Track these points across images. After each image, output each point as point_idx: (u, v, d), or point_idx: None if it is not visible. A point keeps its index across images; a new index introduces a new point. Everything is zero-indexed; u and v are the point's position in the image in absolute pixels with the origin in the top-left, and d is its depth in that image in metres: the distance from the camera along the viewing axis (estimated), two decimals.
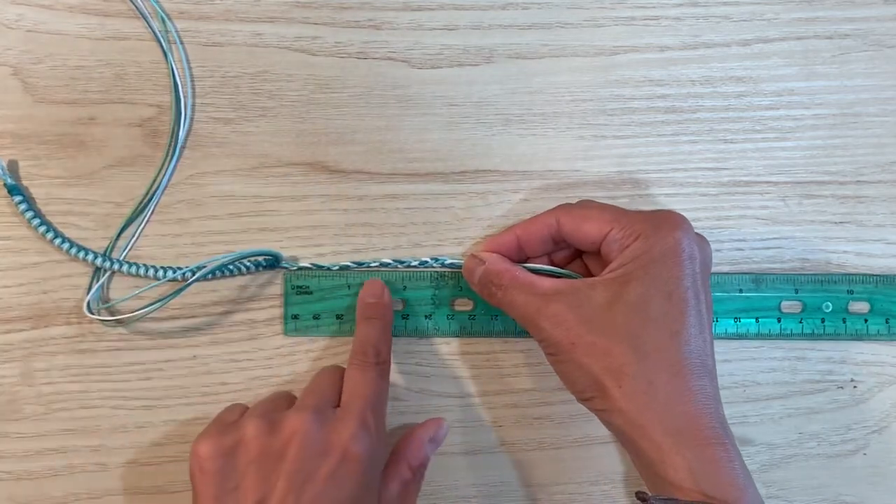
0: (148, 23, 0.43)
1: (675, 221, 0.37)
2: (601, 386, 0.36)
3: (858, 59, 0.44)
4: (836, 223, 0.44)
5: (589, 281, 0.37)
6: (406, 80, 0.44)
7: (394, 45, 0.43)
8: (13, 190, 0.41)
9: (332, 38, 0.43)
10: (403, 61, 0.44)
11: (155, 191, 0.43)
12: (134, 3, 0.43)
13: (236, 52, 0.43)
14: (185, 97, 0.43)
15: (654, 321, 0.35)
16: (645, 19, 0.44)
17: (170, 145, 0.43)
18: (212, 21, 0.43)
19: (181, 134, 0.43)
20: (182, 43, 0.43)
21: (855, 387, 0.45)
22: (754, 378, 0.44)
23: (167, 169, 0.43)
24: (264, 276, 0.43)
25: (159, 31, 0.43)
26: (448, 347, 0.44)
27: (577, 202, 0.41)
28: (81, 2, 0.43)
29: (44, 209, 0.42)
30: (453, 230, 0.44)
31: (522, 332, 0.43)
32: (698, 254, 0.37)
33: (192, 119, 0.43)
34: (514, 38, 0.44)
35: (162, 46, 0.43)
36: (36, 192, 0.42)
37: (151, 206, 0.43)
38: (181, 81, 0.43)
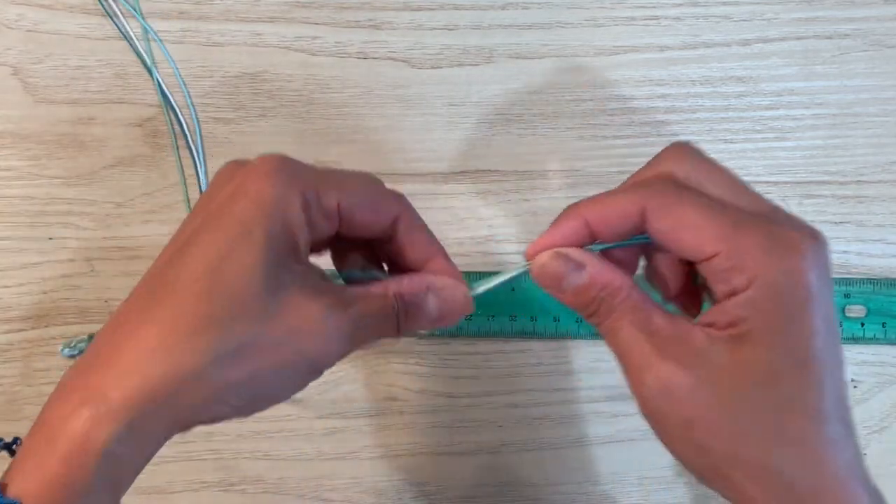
0: (131, 43, 0.43)
1: (801, 249, 0.28)
2: (731, 479, 0.28)
3: (858, 58, 0.44)
4: (836, 223, 0.44)
5: (708, 333, 0.28)
6: (406, 80, 0.44)
7: (394, 45, 0.43)
8: None
9: (332, 38, 0.43)
10: (403, 61, 0.44)
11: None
12: (117, 25, 0.43)
13: (236, 52, 0.43)
14: (179, 103, 0.43)
15: (789, 402, 0.28)
16: (645, 19, 0.44)
17: (189, 150, 0.43)
18: (212, 21, 0.43)
19: (193, 135, 0.43)
20: (161, 42, 0.43)
21: (855, 387, 0.45)
22: None
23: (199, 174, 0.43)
24: None
25: (143, 50, 0.43)
26: (448, 347, 0.44)
27: (668, 180, 0.30)
28: (81, 2, 0.43)
29: (44, 209, 0.42)
30: (453, 230, 0.44)
31: (521, 333, 0.43)
32: (829, 282, 0.28)
33: (196, 120, 0.43)
34: (514, 38, 0.44)
35: (146, 63, 0.43)
36: (36, 191, 0.42)
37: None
38: (167, 87, 0.43)
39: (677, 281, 0.32)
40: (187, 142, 0.43)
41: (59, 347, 0.42)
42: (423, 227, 0.32)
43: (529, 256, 0.31)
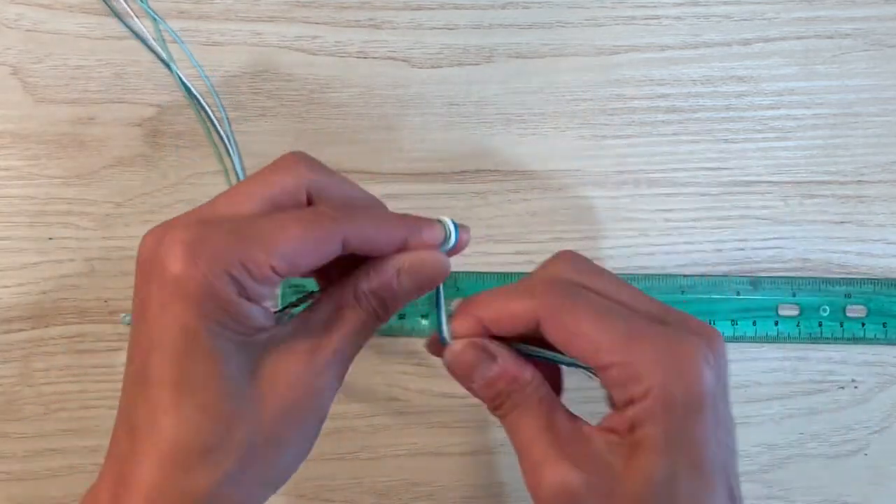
0: (147, 43, 0.43)
1: (694, 356, 0.28)
2: None
3: (859, 58, 0.44)
4: (836, 223, 0.44)
5: (607, 438, 0.29)
6: (406, 80, 0.43)
7: (394, 44, 0.43)
8: None
9: (332, 37, 0.43)
10: (404, 61, 0.43)
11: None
12: (129, 26, 0.43)
13: (236, 51, 0.43)
14: (207, 100, 0.43)
15: None
16: (645, 18, 0.44)
17: (224, 144, 0.43)
18: (211, 21, 0.43)
19: (225, 130, 0.43)
20: (182, 42, 0.43)
21: (856, 387, 0.44)
22: (755, 378, 0.44)
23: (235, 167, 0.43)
24: None
25: (160, 51, 0.43)
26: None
27: (561, 281, 0.30)
28: (81, 1, 0.43)
29: (43, 209, 0.42)
30: None
31: None
32: (724, 382, 0.29)
33: (224, 111, 0.43)
34: (514, 37, 0.44)
35: (163, 59, 0.42)
36: (35, 191, 0.42)
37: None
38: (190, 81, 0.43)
39: None
40: (212, 136, 0.43)
41: (122, 316, 0.42)
42: (375, 223, 0.30)
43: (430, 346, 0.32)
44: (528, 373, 0.30)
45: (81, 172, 0.43)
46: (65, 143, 0.43)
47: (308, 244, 0.27)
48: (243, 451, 0.26)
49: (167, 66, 0.43)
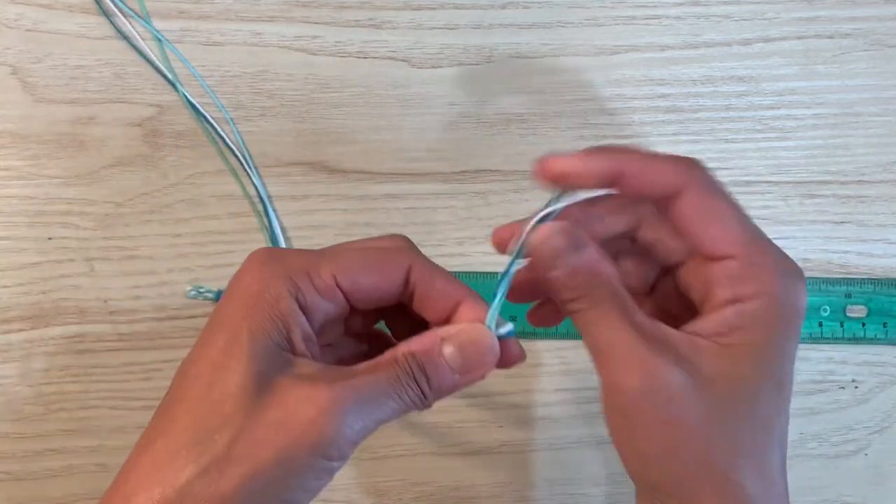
0: (154, 65, 0.43)
1: (801, 278, 0.28)
2: (692, 489, 0.28)
3: (859, 58, 0.44)
4: (837, 223, 0.44)
5: (692, 339, 0.28)
6: (406, 80, 0.43)
7: (394, 44, 0.43)
8: None
9: (332, 37, 0.43)
10: (404, 61, 0.43)
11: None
12: (134, 45, 0.43)
13: (236, 51, 0.43)
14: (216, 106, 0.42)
15: (764, 421, 0.28)
16: (646, 18, 0.44)
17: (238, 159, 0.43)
18: (211, 20, 0.43)
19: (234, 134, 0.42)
20: (182, 56, 0.43)
21: (856, 387, 0.44)
22: None
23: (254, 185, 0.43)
24: None
25: (163, 66, 0.43)
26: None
27: (706, 170, 0.29)
28: (81, 1, 0.43)
29: (43, 209, 0.42)
30: (454, 230, 0.43)
31: (521, 333, 0.43)
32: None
33: (231, 121, 0.43)
34: (514, 37, 0.44)
35: (168, 78, 0.42)
36: (35, 191, 0.42)
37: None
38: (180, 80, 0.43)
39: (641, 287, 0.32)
40: (217, 143, 0.43)
41: (187, 289, 0.41)
42: (441, 274, 0.30)
43: (543, 172, 0.30)
44: (610, 268, 0.28)
45: (81, 172, 0.43)
46: (64, 143, 0.42)
47: (371, 264, 0.29)
48: (220, 455, 0.26)
49: (174, 86, 0.43)
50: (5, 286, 0.42)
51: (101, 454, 0.43)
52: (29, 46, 0.42)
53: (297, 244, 0.43)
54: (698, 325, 0.28)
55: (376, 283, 0.29)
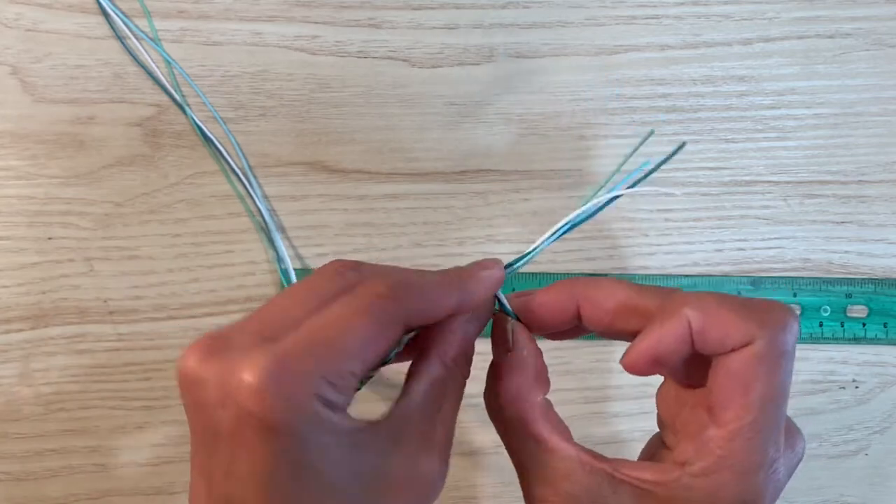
0: (156, 78, 0.43)
1: (787, 316, 0.28)
2: None
3: (860, 58, 0.44)
4: (837, 223, 0.44)
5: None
6: (406, 80, 0.43)
7: (394, 44, 0.43)
8: None
9: (332, 37, 0.43)
10: (404, 60, 0.43)
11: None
12: (134, 55, 0.43)
13: (236, 51, 0.43)
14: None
15: None
16: (646, 18, 0.44)
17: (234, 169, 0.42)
18: (211, 20, 0.43)
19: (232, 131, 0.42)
20: (184, 71, 0.43)
21: (857, 387, 0.44)
22: None
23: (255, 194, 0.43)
24: (261, 275, 0.43)
25: (170, 85, 0.43)
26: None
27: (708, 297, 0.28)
28: (80, 1, 0.42)
29: (43, 209, 0.42)
30: (454, 230, 0.43)
31: None
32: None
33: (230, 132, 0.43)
34: (514, 37, 0.44)
35: (174, 98, 0.42)
36: (35, 191, 0.42)
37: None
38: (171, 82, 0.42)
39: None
40: (216, 150, 0.43)
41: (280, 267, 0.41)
42: (425, 281, 0.28)
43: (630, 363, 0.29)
44: (528, 401, 0.30)
45: (81, 172, 0.42)
46: (64, 142, 0.42)
47: (378, 336, 0.25)
48: None
49: (168, 93, 0.43)
50: (5, 286, 0.42)
51: (100, 454, 0.43)
52: (29, 46, 0.42)
53: (297, 244, 0.43)
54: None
55: (384, 351, 0.26)
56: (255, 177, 0.43)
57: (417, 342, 0.29)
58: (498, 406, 0.29)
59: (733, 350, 0.27)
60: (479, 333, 0.30)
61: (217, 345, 0.24)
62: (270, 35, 0.43)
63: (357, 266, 0.26)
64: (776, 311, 0.28)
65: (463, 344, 0.29)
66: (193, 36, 0.43)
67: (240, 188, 0.43)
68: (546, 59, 0.44)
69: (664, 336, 0.27)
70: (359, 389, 0.27)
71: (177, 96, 0.42)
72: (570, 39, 0.44)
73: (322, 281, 0.26)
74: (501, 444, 0.44)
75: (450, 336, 0.28)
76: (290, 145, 0.43)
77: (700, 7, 0.44)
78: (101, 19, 0.43)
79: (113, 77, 0.43)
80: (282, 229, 0.43)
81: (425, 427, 0.27)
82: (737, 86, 0.44)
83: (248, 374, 0.23)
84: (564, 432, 0.29)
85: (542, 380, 0.30)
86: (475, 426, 0.44)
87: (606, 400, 0.44)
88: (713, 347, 0.27)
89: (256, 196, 0.43)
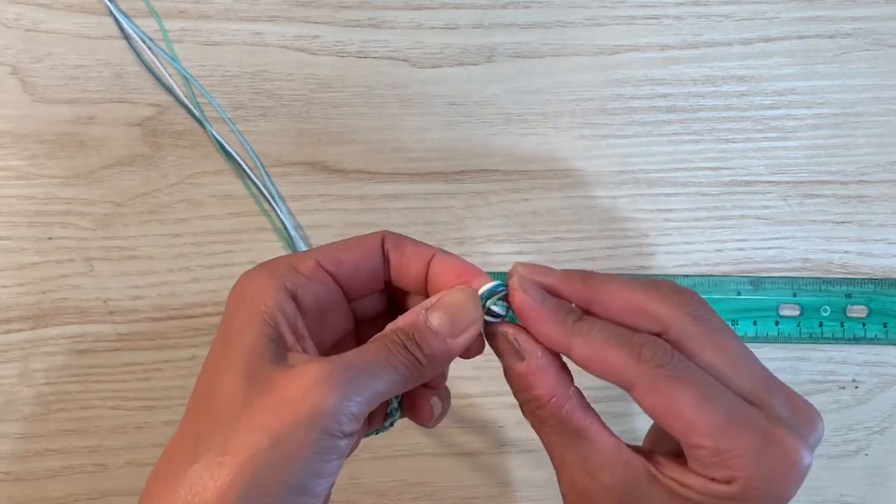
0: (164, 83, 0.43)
1: (790, 459, 0.27)
2: None
3: (860, 58, 0.44)
4: (837, 223, 0.44)
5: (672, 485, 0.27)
6: (406, 80, 0.43)
7: (394, 44, 0.43)
8: None
9: (332, 37, 0.43)
10: (404, 60, 0.43)
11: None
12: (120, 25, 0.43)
13: (236, 51, 0.43)
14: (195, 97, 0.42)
15: None
16: (646, 18, 0.44)
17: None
18: (211, 20, 0.43)
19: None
20: (170, 42, 0.43)
21: (857, 387, 0.44)
22: None
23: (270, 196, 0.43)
24: None
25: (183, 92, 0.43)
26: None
27: (666, 354, 0.27)
28: (80, 1, 0.42)
29: (42, 209, 0.42)
30: (454, 230, 0.43)
31: None
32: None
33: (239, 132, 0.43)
34: (514, 37, 0.44)
35: (185, 103, 0.42)
36: (34, 191, 0.42)
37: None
38: (176, 81, 0.42)
39: None
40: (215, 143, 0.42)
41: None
42: (410, 239, 0.32)
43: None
44: (559, 390, 0.29)
45: (81, 172, 0.42)
46: (64, 142, 0.42)
47: (348, 243, 0.31)
48: (218, 448, 0.26)
49: (171, 92, 0.43)
50: (5, 286, 0.42)
51: (100, 454, 0.43)
52: (28, 46, 0.42)
53: (297, 244, 0.43)
54: (692, 478, 0.27)
55: (356, 259, 0.30)
56: (268, 176, 0.43)
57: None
58: (534, 410, 0.29)
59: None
60: (450, 334, 0.29)
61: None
62: (270, 35, 0.43)
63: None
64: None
65: (411, 319, 0.29)
66: (193, 36, 0.43)
67: (252, 188, 0.43)
68: (546, 59, 0.44)
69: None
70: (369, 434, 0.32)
71: (188, 102, 0.42)
72: (570, 39, 0.44)
73: None
74: (502, 444, 0.44)
75: (405, 314, 0.29)
76: (290, 145, 0.43)
77: (700, 7, 0.44)
78: (102, 19, 0.43)
79: (113, 77, 0.43)
80: (297, 227, 0.43)
81: (336, 358, 0.27)
82: (737, 86, 0.44)
83: (246, 275, 0.29)
84: (600, 421, 0.29)
85: (565, 371, 0.30)
86: (475, 426, 0.44)
87: (606, 400, 0.44)
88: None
89: (274, 196, 0.43)
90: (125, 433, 0.43)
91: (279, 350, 0.27)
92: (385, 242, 0.31)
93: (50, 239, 0.42)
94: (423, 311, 0.29)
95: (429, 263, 0.31)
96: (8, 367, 0.42)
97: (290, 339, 0.28)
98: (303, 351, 0.28)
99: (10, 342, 0.42)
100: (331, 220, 0.43)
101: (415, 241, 0.32)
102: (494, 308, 0.30)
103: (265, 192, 0.43)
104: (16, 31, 0.42)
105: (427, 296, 0.30)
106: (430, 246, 0.31)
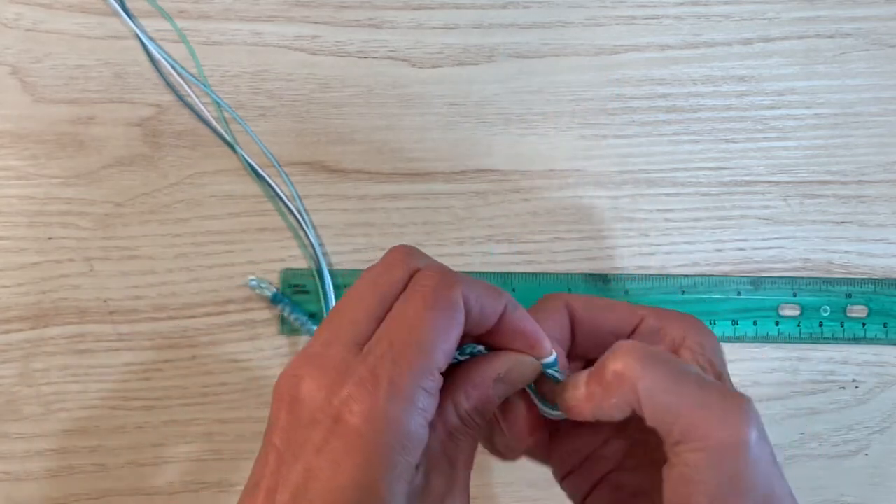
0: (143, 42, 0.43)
1: (739, 405, 0.28)
2: None
3: (860, 58, 0.44)
4: (837, 223, 0.44)
5: None
6: (406, 80, 0.43)
7: (394, 44, 0.43)
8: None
9: (332, 37, 0.43)
10: (404, 60, 0.43)
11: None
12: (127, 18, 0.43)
13: (236, 51, 0.43)
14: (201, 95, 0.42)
15: None
16: (646, 18, 0.44)
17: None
18: (211, 20, 0.43)
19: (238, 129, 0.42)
20: (187, 42, 0.43)
21: (857, 387, 0.44)
22: (755, 378, 0.44)
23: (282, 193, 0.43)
24: (262, 275, 0.43)
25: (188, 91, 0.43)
26: None
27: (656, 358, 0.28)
28: (81, 1, 0.42)
29: (43, 209, 0.42)
30: (453, 230, 0.43)
31: None
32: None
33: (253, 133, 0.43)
34: (514, 37, 0.44)
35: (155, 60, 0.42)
36: (34, 191, 0.42)
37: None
38: (179, 80, 0.42)
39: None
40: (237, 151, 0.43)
41: (250, 279, 0.42)
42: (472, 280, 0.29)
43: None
44: None
45: (81, 172, 0.42)
46: (64, 142, 0.42)
47: (444, 325, 0.27)
48: None
49: (173, 89, 0.43)
50: (5, 286, 0.42)
51: (100, 454, 0.43)
52: (28, 46, 0.42)
53: (297, 243, 0.43)
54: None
55: (456, 340, 0.27)
56: (287, 175, 0.43)
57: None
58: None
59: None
60: (504, 396, 0.29)
61: (322, 362, 0.26)
62: (270, 35, 0.43)
63: (411, 253, 0.29)
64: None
65: (482, 398, 0.29)
66: (193, 36, 0.43)
67: (253, 189, 0.43)
68: (546, 59, 0.44)
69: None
70: None
71: (199, 103, 0.42)
72: (570, 39, 0.44)
73: (389, 269, 0.28)
74: None
75: (471, 388, 0.29)
76: (290, 145, 0.43)
77: (700, 7, 0.44)
78: (102, 19, 0.43)
79: (113, 77, 0.43)
80: (282, 229, 0.43)
81: (450, 482, 0.28)
82: (737, 86, 0.44)
83: (351, 395, 0.25)
84: None
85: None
86: None
87: None
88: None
89: (290, 193, 0.43)
90: (125, 433, 0.43)
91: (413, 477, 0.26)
92: (466, 300, 0.27)
93: (50, 239, 0.42)
94: (492, 385, 0.29)
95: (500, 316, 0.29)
96: (8, 367, 0.42)
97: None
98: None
99: (10, 342, 0.42)
100: (331, 220, 0.43)
101: (487, 288, 0.28)
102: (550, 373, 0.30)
103: (278, 191, 0.43)
104: (16, 31, 0.42)
105: (483, 338, 0.30)
106: (501, 292, 0.29)
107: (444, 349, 0.26)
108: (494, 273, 0.43)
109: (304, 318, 0.42)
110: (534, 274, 0.43)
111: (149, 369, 0.43)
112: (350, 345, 0.26)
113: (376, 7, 0.43)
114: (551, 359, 0.29)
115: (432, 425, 0.27)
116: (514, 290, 0.43)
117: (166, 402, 0.43)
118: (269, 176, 0.43)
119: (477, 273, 0.43)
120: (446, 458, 0.28)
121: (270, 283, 0.42)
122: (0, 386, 0.42)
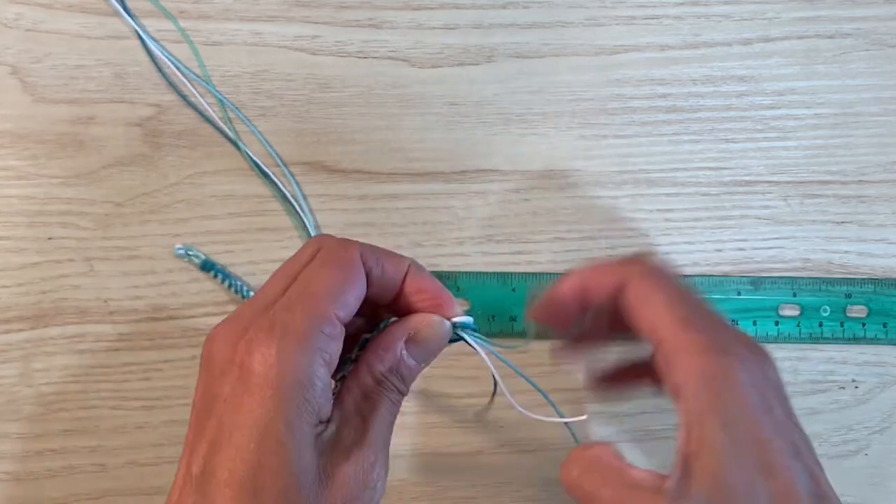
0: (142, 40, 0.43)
1: (742, 349, 0.29)
2: None
3: (860, 58, 0.44)
4: (837, 223, 0.44)
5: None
6: (406, 80, 0.43)
7: (394, 44, 0.43)
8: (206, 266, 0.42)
9: (332, 37, 0.43)
10: (404, 60, 0.43)
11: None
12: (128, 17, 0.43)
13: (236, 51, 0.43)
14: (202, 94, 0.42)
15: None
16: (646, 18, 0.44)
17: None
18: (211, 20, 0.43)
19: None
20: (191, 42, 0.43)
21: (857, 387, 0.44)
22: None
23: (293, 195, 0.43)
24: (262, 276, 0.43)
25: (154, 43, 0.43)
26: (448, 347, 0.44)
27: (652, 264, 0.32)
28: (81, 1, 0.43)
29: (42, 209, 0.42)
30: (453, 230, 0.43)
31: (522, 334, 0.43)
32: (772, 380, 0.29)
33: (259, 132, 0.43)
34: (514, 37, 0.44)
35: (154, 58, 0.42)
36: (34, 191, 0.42)
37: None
38: (183, 79, 0.43)
39: None
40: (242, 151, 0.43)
41: (176, 246, 0.42)
42: (384, 254, 0.32)
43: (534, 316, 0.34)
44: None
45: (81, 172, 0.42)
46: (64, 142, 0.42)
47: (344, 279, 0.29)
48: None
49: (174, 88, 0.43)
50: (5, 286, 0.42)
51: (100, 454, 0.43)
52: (28, 46, 0.42)
53: (297, 244, 0.43)
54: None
55: (357, 295, 0.30)
56: (292, 175, 0.43)
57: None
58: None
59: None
60: (423, 362, 0.32)
61: (228, 323, 0.29)
62: (270, 35, 0.43)
63: (322, 237, 0.32)
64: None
65: (395, 361, 0.31)
66: (193, 36, 0.43)
67: (260, 188, 0.43)
68: (546, 59, 0.44)
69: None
70: (335, 389, 0.31)
71: (203, 102, 0.42)
72: (570, 39, 0.44)
73: (299, 253, 0.31)
74: (502, 444, 0.44)
75: (383, 351, 0.31)
76: (290, 145, 0.43)
77: (700, 7, 0.44)
78: (102, 19, 0.43)
79: (113, 77, 0.43)
80: (282, 229, 0.43)
81: (360, 437, 0.30)
82: (737, 86, 0.44)
83: (254, 343, 0.27)
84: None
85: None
86: (475, 426, 0.44)
87: (606, 400, 0.44)
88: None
89: (297, 192, 0.43)
90: (125, 433, 0.43)
91: (314, 431, 0.28)
92: (365, 260, 0.31)
93: (50, 239, 0.42)
94: (403, 348, 0.31)
95: (404, 279, 0.32)
96: (8, 367, 0.42)
97: (322, 413, 0.29)
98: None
99: (10, 342, 0.42)
100: (331, 220, 0.43)
101: (388, 252, 0.32)
102: (463, 335, 0.33)
103: (284, 190, 0.43)
104: (16, 31, 0.42)
105: (395, 307, 0.32)
106: (404, 257, 0.32)
107: (341, 300, 0.29)
108: (495, 273, 0.43)
109: (240, 283, 0.42)
110: (534, 274, 0.43)
111: (149, 369, 0.43)
112: (259, 308, 0.29)
113: (376, 7, 0.43)
114: (468, 320, 0.32)
115: (348, 387, 0.30)
116: (513, 290, 0.43)
117: (166, 402, 0.43)
118: (273, 175, 0.43)
119: (477, 273, 0.43)
120: (360, 416, 0.30)
121: (199, 252, 0.42)
122: (0, 386, 0.42)
